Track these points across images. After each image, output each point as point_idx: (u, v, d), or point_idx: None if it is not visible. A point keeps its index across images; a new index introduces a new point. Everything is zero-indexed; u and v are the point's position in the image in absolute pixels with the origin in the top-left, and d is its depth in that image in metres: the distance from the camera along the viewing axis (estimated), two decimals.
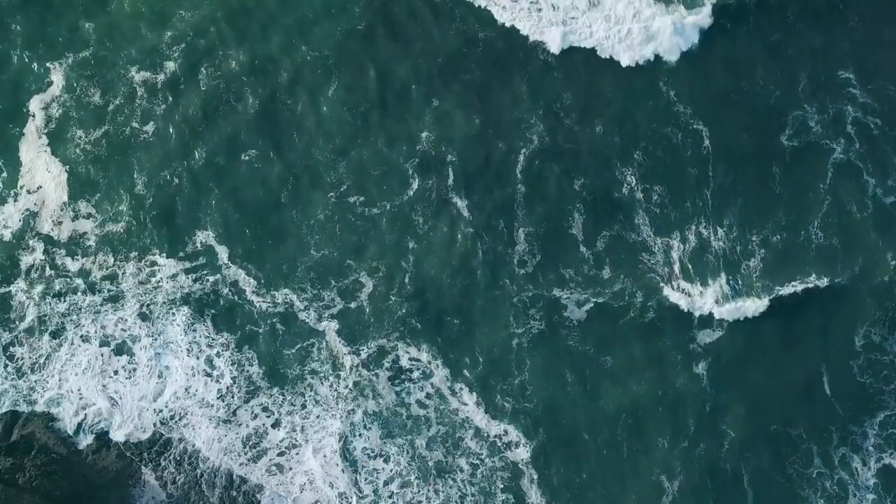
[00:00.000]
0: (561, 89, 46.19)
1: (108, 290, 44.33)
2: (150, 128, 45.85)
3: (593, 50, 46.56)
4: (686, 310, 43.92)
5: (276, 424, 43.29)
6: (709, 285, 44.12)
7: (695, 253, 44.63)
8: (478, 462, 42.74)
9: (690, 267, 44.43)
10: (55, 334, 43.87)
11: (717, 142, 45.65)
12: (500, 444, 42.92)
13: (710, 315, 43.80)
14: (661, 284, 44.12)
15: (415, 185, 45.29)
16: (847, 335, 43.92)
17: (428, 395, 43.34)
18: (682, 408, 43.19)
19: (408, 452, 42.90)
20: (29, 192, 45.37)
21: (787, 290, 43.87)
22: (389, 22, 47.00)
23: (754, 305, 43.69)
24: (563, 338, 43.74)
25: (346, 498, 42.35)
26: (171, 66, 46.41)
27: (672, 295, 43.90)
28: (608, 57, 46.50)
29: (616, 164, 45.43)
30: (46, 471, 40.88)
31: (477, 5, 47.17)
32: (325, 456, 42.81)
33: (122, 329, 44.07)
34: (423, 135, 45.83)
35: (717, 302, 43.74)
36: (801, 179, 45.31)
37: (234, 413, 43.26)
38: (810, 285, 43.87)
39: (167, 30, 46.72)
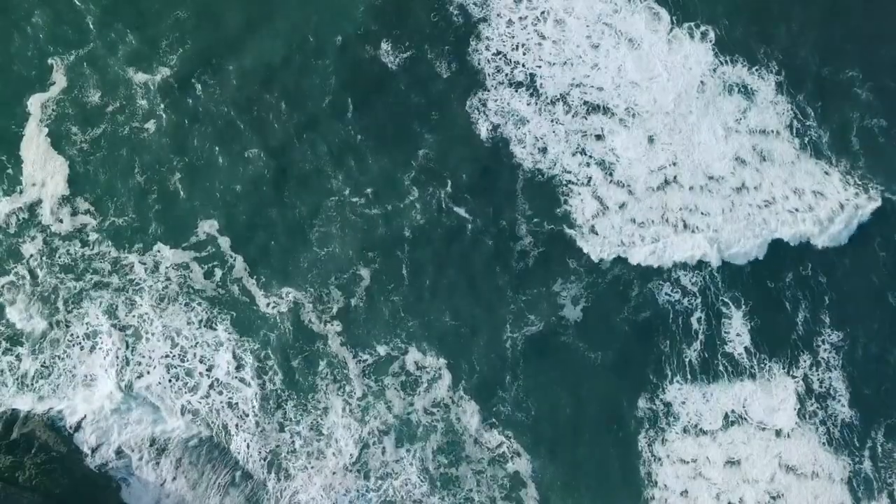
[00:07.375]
0: None
1: (110, 287, 44.40)
2: (150, 125, 45.85)
3: None
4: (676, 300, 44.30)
5: (282, 428, 43.33)
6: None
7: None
8: (480, 469, 42.88)
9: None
10: (57, 331, 43.93)
11: None
12: (500, 452, 43.09)
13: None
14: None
15: (414, 191, 45.47)
16: None
17: (434, 403, 43.41)
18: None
19: (416, 458, 42.94)
20: (33, 184, 45.31)
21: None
22: (391, 23, 47.26)
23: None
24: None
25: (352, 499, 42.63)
26: (168, 68, 46.43)
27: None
28: None
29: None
30: (46, 469, 40.78)
31: None
32: (331, 458, 43.01)
33: (125, 329, 44.18)
34: (426, 136, 46.17)
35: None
36: None
37: (242, 418, 43.28)
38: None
39: (167, 30, 46.83)
